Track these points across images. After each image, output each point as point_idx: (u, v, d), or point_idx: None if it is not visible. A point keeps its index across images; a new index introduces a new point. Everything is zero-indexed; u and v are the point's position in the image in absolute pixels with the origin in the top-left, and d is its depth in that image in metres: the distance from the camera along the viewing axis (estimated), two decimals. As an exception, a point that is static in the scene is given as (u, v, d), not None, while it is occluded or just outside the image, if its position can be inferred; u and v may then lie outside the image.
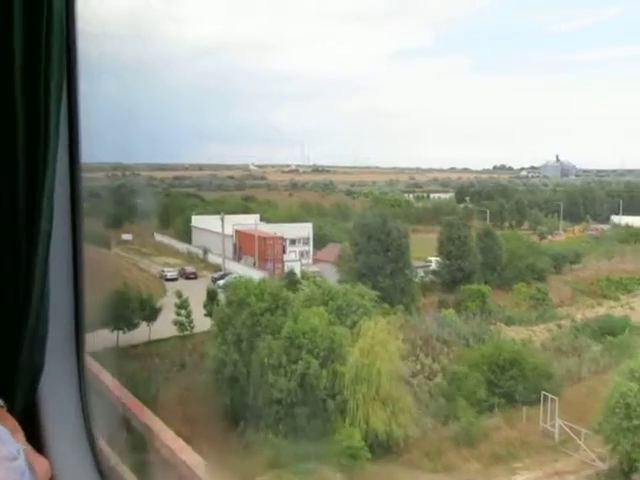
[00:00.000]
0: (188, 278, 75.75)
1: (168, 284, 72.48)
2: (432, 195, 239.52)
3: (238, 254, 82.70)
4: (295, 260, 77.75)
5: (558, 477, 33.91)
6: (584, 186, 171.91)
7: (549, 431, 38.43)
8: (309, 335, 38.72)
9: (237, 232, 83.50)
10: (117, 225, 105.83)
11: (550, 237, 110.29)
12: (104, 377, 3.87)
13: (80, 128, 3.21)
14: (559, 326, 67.57)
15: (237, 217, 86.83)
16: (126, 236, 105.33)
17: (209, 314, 54.10)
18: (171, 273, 75.62)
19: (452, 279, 69.10)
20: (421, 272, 70.07)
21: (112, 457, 3.34)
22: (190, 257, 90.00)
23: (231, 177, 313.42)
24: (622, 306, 76.63)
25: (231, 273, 74.91)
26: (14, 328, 2.76)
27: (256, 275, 72.65)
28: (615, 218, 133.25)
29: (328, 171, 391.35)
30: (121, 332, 49.50)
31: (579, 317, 70.44)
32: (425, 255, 77.29)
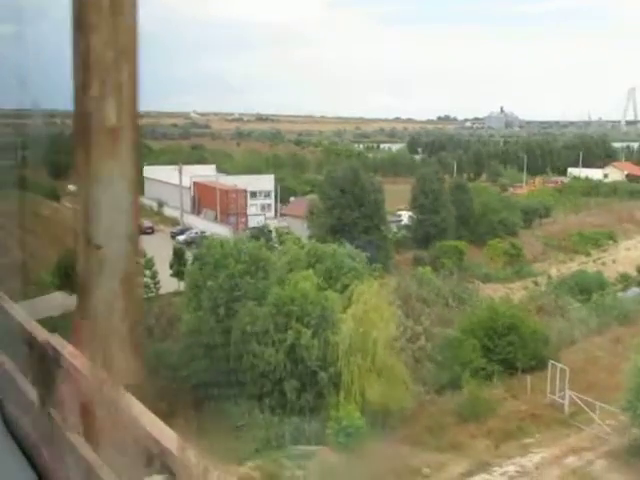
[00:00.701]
0: (144, 233, 70.82)
1: (124, 240, 67.74)
2: (382, 145, 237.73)
3: (197, 207, 78.12)
4: (259, 214, 73.75)
5: (575, 454, 31.26)
6: (542, 138, 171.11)
7: (558, 403, 35.72)
8: (299, 301, 35.03)
9: (196, 184, 78.76)
10: (62, 175, 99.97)
11: (512, 189, 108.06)
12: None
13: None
14: (535, 283, 65.46)
15: (192, 168, 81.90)
16: (73, 187, 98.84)
17: (176, 274, 50.06)
18: (126, 228, 70.68)
19: (426, 234, 66.09)
20: (394, 227, 66.76)
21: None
22: (143, 209, 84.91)
23: (175, 125, 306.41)
24: (594, 261, 75.14)
25: (191, 228, 70.65)
26: None
27: (219, 230, 68.60)
28: (575, 170, 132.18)
29: (272, 120, 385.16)
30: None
31: (554, 273, 68.56)
32: (390, 209, 74.09)
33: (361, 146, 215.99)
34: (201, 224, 71.78)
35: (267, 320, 35.73)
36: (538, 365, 40.56)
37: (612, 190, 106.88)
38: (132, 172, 1.89)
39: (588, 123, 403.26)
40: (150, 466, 1.99)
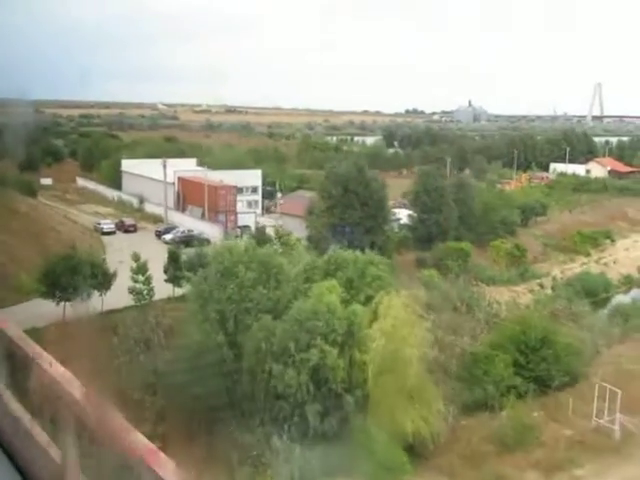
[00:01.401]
0: (127, 231, 66.61)
1: (105, 238, 63.39)
2: (355, 138, 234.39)
3: (182, 204, 73.78)
4: (248, 212, 69.77)
5: (635, 488, 28.24)
6: (522, 133, 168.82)
7: (606, 428, 32.63)
8: (324, 316, 31.40)
9: (180, 180, 74.38)
10: (33, 168, 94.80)
11: (499, 185, 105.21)
12: None
13: None
14: (541, 286, 62.75)
15: (172, 162, 77.37)
16: (45, 180, 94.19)
17: (171, 280, 46.08)
18: (108, 225, 66.21)
19: (428, 234, 62.75)
20: (395, 227, 63.29)
21: None
22: (122, 206, 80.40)
23: (142, 116, 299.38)
24: (596, 262, 72.68)
25: (177, 226, 66.48)
26: None
27: (207, 228, 64.57)
28: (558, 166, 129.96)
29: (240, 111, 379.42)
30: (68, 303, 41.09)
31: (558, 275, 65.91)
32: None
33: (334, 139, 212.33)
34: (187, 222, 67.63)
35: (286, 337, 32.06)
36: (571, 381, 37.67)
37: (602, 187, 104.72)
38: None
39: (555, 117, 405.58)
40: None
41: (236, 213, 66.82)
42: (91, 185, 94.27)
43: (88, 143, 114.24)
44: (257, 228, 56.70)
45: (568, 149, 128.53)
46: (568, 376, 37.48)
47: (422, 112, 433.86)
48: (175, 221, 68.74)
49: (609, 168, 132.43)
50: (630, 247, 79.48)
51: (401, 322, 32.72)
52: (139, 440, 2.40)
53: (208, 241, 58.32)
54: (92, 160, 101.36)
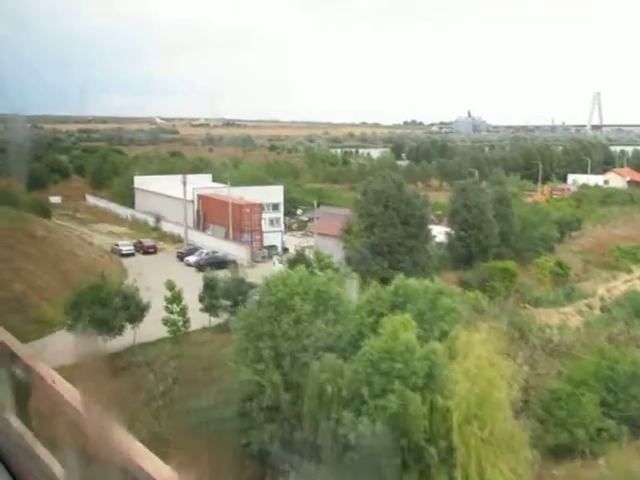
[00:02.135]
0: (146, 253, 62.72)
1: (125, 261, 59.47)
2: (360, 151, 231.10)
3: (203, 223, 69.85)
4: (274, 230, 65.93)
5: None
6: (541, 144, 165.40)
7: None
8: (402, 356, 27.57)
9: (200, 197, 70.49)
10: (40, 185, 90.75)
11: (523, 198, 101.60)
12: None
13: None
14: (589, 306, 58.98)
15: (188, 178, 73.51)
16: (54, 199, 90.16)
17: (207, 309, 42.28)
18: (127, 247, 62.33)
19: (468, 253, 58.99)
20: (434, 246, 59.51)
21: None
22: (137, 225, 76.51)
23: (141, 130, 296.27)
24: (639, 278, 69.01)
25: (199, 247, 62.61)
26: None
27: (232, 249, 60.79)
28: (577, 177, 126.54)
29: (239, 125, 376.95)
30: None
31: (605, 294, 62.23)
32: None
33: (338, 151, 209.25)
34: (208, 242, 63.76)
35: (357, 380, 28.18)
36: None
37: (629, 199, 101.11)
38: None
39: (554, 127, 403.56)
40: None
41: (262, 232, 63.04)
42: (101, 203, 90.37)
43: (95, 159, 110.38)
44: (297, 251, 52.84)
45: (589, 160, 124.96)
46: (659, 415, 33.63)
47: (421, 123, 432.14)
48: (195, 241, 64.87)
49: (628, 178, 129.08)
50: (670, 262, 75.82)
51: (485, 361, 28.82)
52: (141, 453, 2.32)
53: (235, 263, 54.65)
54: (101, 176, 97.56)
